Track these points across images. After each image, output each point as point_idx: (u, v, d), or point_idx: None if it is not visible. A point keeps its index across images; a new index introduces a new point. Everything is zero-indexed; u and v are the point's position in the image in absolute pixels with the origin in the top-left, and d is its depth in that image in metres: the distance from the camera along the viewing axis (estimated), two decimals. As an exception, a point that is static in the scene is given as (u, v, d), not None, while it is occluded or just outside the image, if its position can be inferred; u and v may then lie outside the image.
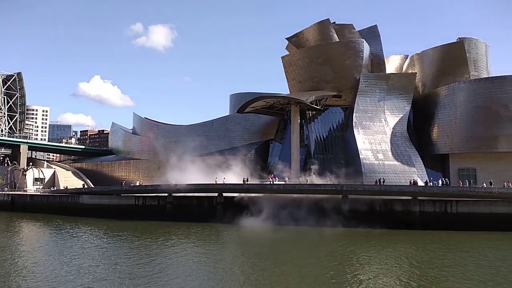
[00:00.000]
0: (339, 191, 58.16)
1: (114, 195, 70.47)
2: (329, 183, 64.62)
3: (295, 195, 59.61)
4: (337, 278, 29.21)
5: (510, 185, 57.08)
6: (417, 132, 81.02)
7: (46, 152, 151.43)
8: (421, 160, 72.69)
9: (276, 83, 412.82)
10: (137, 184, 76.78)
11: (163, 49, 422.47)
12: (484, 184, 58.43)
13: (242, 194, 61.21)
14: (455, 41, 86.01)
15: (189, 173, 68.34)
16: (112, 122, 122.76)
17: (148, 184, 76.17)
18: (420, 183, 62.68)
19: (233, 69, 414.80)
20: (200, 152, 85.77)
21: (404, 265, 33.56)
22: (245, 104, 78.99)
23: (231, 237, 48.93)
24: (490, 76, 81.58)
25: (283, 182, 64.94)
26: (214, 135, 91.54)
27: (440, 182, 61.87)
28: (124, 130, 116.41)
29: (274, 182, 65.27)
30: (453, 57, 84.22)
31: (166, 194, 64.91)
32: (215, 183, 63.48)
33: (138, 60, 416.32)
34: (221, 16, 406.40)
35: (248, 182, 64.01)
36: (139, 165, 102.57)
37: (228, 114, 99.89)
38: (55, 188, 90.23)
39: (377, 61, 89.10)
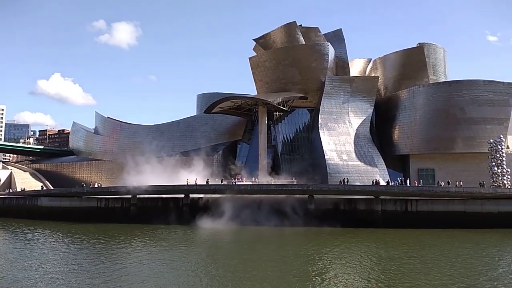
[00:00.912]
0: (305, 191, 59.15)
1: (75, 197, 67.96)
2: (295, 183, 65.71)
3: (261, 196, 59.85)
4: (301, 277, 29.55)
5: (461, 184, 60.17)
6: (379, 133, 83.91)
7: (1, 152, 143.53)
8: (383, 161, 75.46)
9: (244, 84, 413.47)
10: (96, 186, 74.39)
11: (127, 47, 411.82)
12: (442, 183, 61.29)
13: (208, 196, 60.84)
14: (416, 46, 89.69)
15: (154, 175, 67.00)
16: (73, 122, 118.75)
17: (110, 185, 73.98)
18: (382, 182, 64.84)
19: (200, 68, 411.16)
20: (166, 153, 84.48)
21: (366, 262, 34.47)
22: (212, 104, 78.60)
23: (196, 239, 48.32)
24: (448, 80, 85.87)
25: (250, 183, 65.16)
26: (180, 135, 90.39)
27: (398, 181, 64.46)
28: (85, 130, 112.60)
29: (242, 183, 65.37)
30: (413, 62, 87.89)
31: (130, 196, 63.34)
32: (180, 184, 62.67)
33: (101, 58, 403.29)
34: (188, 14, 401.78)
35: (215, 183, 63.70)
36: (102, 166, 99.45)
37: (195, 114, 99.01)
38: (11, 190, 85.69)
39: (342, 64, 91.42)
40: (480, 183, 61.10)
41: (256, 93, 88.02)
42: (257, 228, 53.03)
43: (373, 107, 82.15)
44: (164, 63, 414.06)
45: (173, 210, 60.07)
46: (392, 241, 44.45)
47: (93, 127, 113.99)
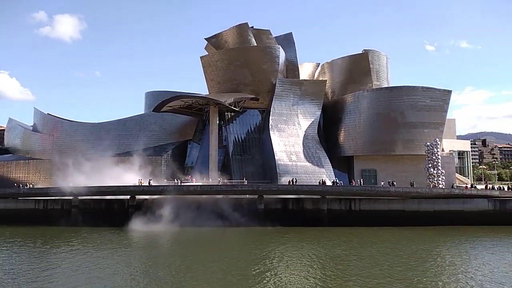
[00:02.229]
0: (255, 191, 59.66)
1: (10, 198, 63.23)
2: (246, 183, 66.12)
3: (210, 196, 59.45)
4: (242, 276, 29.75)
5: (395, 184, 63.79)
6: (326, 135, 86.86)
7: None
8: (329, 162, 78.37)
9: (195, 83, 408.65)
10: (27, 186, 69.79)
11: (70, 40, 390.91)
12: (382, 183, 64.69)
13: (155, 197, 59.31)
14: (361, 52, 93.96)
15: (98, 175, 64.11)
16: (9, 118, 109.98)
17: (50, 186, 69.59)
18: (328, 182, 67.10)
19: (149, 65, 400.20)
20: (112, 153, 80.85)
21: (307, 261, 35.36)
22: (161, 103, 76.72)
23: (139, 242, 46.57)
24: (390, 86, 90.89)
25: (200, 183, 64.50)
26: (127, 134, 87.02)
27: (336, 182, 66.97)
28: (23, 127, 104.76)
29: (192, 183, 64.51)
30: (358, 67, 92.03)
31: (71, 197, 60.06)
32: (126, 185, 60.57)
33: (41, 51, 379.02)
34: (137, 9, 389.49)
35: (163, 184, 62.29)
36: (40, 165, 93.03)
37: (143, 112, 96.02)
38: None
39: (292, 67, 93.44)
40: (411, 183, 65.13)
41: (208, 93, 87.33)
42: (205, 229, 52.44)
43: (321, 110, 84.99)
44: (110, 58, 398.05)
45: (118, 212, 57.80)
46: (336, 239, 46.05)
47: (31, 124, 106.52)
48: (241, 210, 55.94)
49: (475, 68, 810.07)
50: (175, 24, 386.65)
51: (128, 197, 60.14)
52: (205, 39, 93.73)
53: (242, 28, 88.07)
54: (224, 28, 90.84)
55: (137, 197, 60.14)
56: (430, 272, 31.15)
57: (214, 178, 71.04)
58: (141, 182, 62.47)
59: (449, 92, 78.64)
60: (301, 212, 58.68)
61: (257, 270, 31.71)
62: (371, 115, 79.84)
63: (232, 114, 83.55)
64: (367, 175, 79.01)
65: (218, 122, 80.00)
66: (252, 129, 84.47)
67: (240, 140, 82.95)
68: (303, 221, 55.69)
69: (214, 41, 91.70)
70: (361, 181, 71.06)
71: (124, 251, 40.39)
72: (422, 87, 78.93)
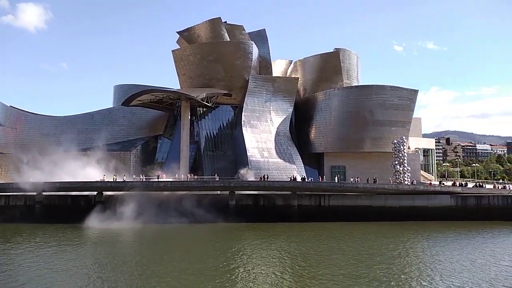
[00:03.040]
0: (227, 187, 59.58)
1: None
2: (217, 179, 65.84)
3: (182, 192, 58.82)
4: (202, 273, 29.54)
5: (358, 180, 65.54)
6: (298, 132, 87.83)
7: None
8: (300, 158, 79.35)
9: (166, 77, 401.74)
10: None
11: (34, 30, 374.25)
12: (352, 180, 66.19)
13: (122, 193, 57.94)
14: (332, 51, 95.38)
15: (64, 170, 61.96)
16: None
17: (12, 181, 66.57)
18: (299, 179, 67.94)
19: (119, 58, 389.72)
20: (78, 147, 78.25)
21: (275, 256, 35.71)
22: (131, 96, 74.96)
23: (95, 239, 45.12)
24: (360, 84, 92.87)
25: (171, 179, 63.61)
26: (95, 128, 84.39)
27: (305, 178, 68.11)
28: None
29: (162, 179, 63.53)
30: (330, 66, 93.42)
31: (35, 193, 57.78)
32: (93, 181, 58.97)
33: (2, 41, 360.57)
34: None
35: (131, 180, 61.00)
36: (2, 160, 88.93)
37: (111, 106, 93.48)
38: None
39: (265, 64, 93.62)
40: (374, 179, 67.38)
41: (180, 87, 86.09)
42: (171, 226, 51.91)
43: (293, 107, 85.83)
44: (78, 50, 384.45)
45: (84, 209, 56.10)
46: (305, 235, 46.77)
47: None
48: (212, 207, 55.61)
49: (441, 68, 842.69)
50: (146, 16, 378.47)
51: (95, 193, 58.57)
52: (177, 32, 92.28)
53: (215, 23, 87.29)
54: (197, 22, 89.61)
55: (105, 193, 58.57)
56: (395, 266, 32.18)
57: (185, 174, 70.29)
58: (104, 178, 60.98)
59: (416, 91, 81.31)
60: (272, 208, 59.12)
61: (223, 267, 31.58)
62: (341, 113, 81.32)
63: (204, 109, 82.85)
64: (336, 172, 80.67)
65: (189, 117, 79.09)
66: (225, 125, 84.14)
67: (212, 135, 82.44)
68: (274, 217, 56.17)
69: (186, 35, 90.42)
70: (337, 177, 72.26)
71: (76, 249, 38.70)
72: (391, 86, 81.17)
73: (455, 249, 38.59)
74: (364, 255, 35.95)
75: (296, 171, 75.48)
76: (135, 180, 62.19)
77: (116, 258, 34.56)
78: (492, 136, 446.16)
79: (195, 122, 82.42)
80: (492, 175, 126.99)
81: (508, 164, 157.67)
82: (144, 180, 62.49)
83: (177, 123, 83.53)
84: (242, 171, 69.36)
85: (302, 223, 54.86)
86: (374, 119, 79.12)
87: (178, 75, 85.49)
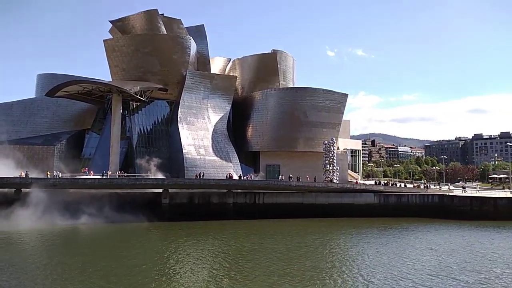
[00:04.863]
0: (160, 185, 57.88)
1: None
2: (150, 177, 63.64)
3: (109, 190, 55.81)
4: (146, 274, 28.69)
5: (282, 178, 67.13)
6: (235, 130, 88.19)
7: None
8: (237, 156, 79.75)
9: (97, 68, 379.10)
10: None
11: None
12: (283, 177, 67.71)
13: (45, 189, 53.31)
14: (270, 52, 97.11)
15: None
16: None
17: None
18: (235, 177, 68.24)
19: (44, 45, 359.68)
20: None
21: (208, 255, 35.51)
22: (56, 87, 69.28)
23: (21, 240, 41.64)
24: (295, 86, 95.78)
25: (99, 177, 60.06)
26: (14, 120, 76.71)
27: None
28: None
29: (89, 176, 59.79)
30: (267, 66, 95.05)
31: None
32: (10, 177, 53.67)
33: None
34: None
35: (55, 177, 56.58)
36: None
37: (33, 96, 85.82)
38: None
39: (203, 60, 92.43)
40: (297, 177, 68.28)
41: (111, 79, 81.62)
42: (103, 226, 49.45)
43: (230, 105, 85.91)
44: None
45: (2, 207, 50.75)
46: (239, 232, 47.09)
47: None
48: (142, 206, 53.57)
49: (368, 74, 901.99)
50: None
51: (13, 190, 53.37)
52: (110, 21, 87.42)
53: (151, 14, 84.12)
54: (132, 12, 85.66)
55: (24, 190, 53.51)
56: (323, 260, 33.68)
57: (115, 171, 66.94)
58: (21, 174, 55.84)
59: (346, 95, 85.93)
60: (207, 206, 58.65)
61: (153, 267, 30.56)
62: (277, 113, 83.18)
63: (138, 103, 79.49)
64: (271, 170, 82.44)
65: (121, 111, 75.37)
66: (160, 120, 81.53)
67: (146, 131, 79.42)
68: (210, 214, 55.76)
69: (119, 25, 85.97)
70: (281, 176, 72.10)
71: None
72: (323, 90, 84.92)
73: (379, 244, 41.39)
74: (293, 251, 37.07)
75: (233, 169, 75.67)
76: (60, 177, 57.56)
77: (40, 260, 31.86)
78: (412, 139, 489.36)
79: (127, 117, 78.75)
80: (411, 175, 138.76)
81: (425, 165, 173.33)
82: (64, 177, 58.14)
83: (107, 117, 79.13)
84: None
85: (236, 220, 55.18)
86: (307, 120, 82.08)
87: (109, 66, 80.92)
